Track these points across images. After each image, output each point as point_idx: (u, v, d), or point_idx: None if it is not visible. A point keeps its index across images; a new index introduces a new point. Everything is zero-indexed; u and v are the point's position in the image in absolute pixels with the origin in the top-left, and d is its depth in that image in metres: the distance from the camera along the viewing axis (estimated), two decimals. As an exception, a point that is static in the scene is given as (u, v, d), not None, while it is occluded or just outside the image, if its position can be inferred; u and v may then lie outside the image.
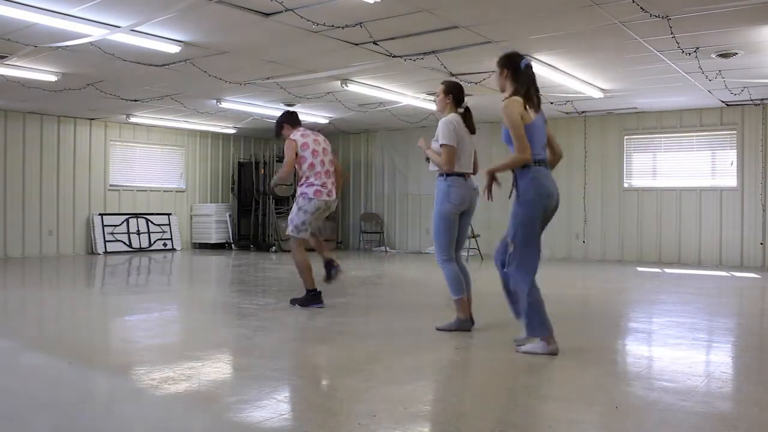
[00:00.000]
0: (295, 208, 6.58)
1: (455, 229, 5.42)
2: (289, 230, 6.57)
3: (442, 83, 5.65)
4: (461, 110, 5.56)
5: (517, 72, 4.61)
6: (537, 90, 4.64)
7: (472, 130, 5.53)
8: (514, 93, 4.59)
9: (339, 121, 13.87)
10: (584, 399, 3.63)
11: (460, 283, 5.41)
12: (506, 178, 4.67)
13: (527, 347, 4.66)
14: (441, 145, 5.33)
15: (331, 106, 12.13)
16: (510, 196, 4.66)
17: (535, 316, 4.55)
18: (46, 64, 8.78)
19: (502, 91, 4.72)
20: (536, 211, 4.52)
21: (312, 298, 6.64)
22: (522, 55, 4.72)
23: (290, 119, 6.82)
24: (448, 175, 5.36)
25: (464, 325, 5.43)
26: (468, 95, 10.46)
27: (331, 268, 6.80)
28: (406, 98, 10.86)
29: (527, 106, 4.52)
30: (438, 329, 5.46)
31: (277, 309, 6.58)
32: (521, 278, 4.56)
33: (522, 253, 4.53)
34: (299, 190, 6.58)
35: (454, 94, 5.55)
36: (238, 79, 9.67)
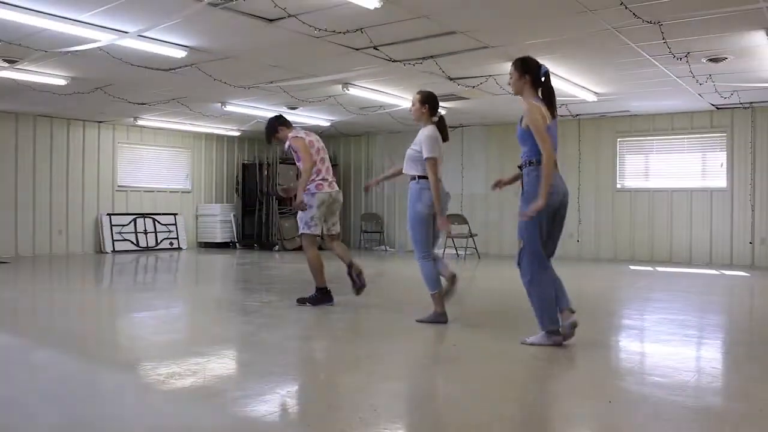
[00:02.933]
0: None
1: (430, 229, 5.71)
2: (300, 228, 6.62)
3: (417, 93, 5.85)
4: (436, 119, 5.81)
5: (537, 80, 4.81)
6: (555, 99, 4.84)
7: (445, 138, 5.83)
8: (536, 99, 4.79)
9: (340, 124, 14.03)
10: (578, 393, 3.81)
11: (436, 280, 5.72)
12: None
13: (531, 339, 4.88)
14: (426, 159, 5.61)
15: (332, 109, 12.29)
16: (519, 194, 4.83)
17: (537, 309, 4.80)
18: (56, 69, 8.96)
19: (518, 93, 4.90)
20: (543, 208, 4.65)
21: (322, 296, 6.73)
22: (537, 61, 4.88)
23: (284, 122, 6.89)
24: (420, 177, 5.67)
25: (440, 318, 5.76)
26: (465, 98, 10.72)
27: (353, 273, 6.74)
28: (405, 101, 11.02)
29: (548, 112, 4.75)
30: (417, 321, 5.79)
31: (280, 306, 6.73)
32: (528, 272, 4.78)
33: (529, 248, 4.75)
34: None
35: (430, 104, 5.80)
36: (243, 83, 9.83)
